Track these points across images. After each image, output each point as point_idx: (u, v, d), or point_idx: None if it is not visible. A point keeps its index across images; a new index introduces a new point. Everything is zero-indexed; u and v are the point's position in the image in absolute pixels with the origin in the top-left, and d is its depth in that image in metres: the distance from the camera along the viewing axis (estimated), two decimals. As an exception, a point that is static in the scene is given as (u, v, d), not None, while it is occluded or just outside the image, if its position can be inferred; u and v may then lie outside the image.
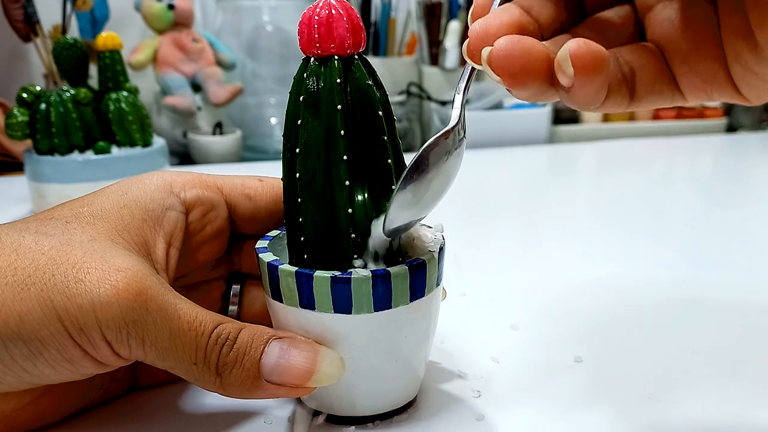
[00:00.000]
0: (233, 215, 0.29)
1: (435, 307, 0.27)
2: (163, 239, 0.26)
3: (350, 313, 0.24)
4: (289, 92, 0.26)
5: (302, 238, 0.26)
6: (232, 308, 0.31)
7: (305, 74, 0.25)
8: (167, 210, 0.26)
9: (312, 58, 0.25)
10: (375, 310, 0.24)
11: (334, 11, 0.24)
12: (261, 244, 0.27)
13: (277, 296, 0.25)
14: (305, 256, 0.26)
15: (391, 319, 0.25)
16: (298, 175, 0.25)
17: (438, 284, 0.27)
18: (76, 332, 0.21)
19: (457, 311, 0.38)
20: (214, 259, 0.30)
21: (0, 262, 0.22)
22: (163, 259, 0.25)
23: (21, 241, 0.22)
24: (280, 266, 0.25)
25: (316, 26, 0.24)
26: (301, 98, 0.25)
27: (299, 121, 0.25)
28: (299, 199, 0.25)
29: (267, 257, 0.26)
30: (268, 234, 0.28)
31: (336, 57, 0.25)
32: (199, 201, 0.28)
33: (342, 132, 0.25)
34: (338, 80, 0.25)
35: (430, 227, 0.28)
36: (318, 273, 0.24)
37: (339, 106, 0.25)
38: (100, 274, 0.22)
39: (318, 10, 0.24)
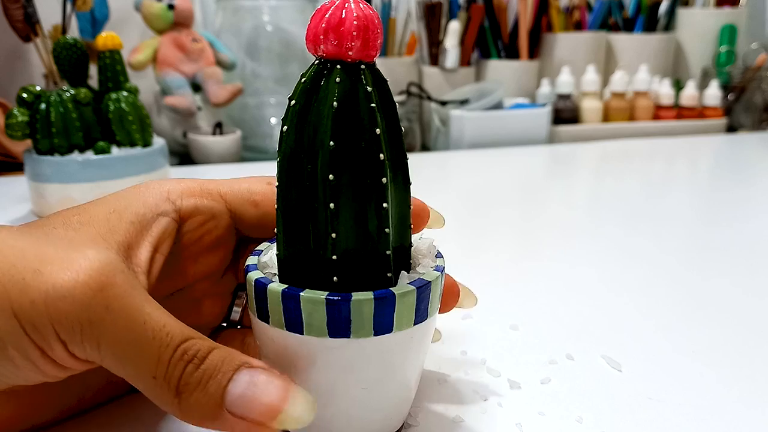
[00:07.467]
0: (239, 224, 0.28)
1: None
2: (149, 243, 0.24)
3: (391, 331, 0.23)
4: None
5: (334, 257, 0.22)
6: (236, 309, 0.30)
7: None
8: (158, 215, 0.25)
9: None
10: (414, 324, 0.23)
11: (371, 11, 0.22)
12: (256, 275, 0.24)
13: (297, 327, 0.23)
14: (335, 279, 0.22)
15: (415, 336, 0.24)
16: (344, 180, 0.22)
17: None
18: (30, 329, 0.19)
19: (457, 311, 0.38)
20: (218, 270, 0.29)
21: None
22: (145, 262, 0.24)
23: None
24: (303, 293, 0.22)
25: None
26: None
27: (338, 135, 0.22)
28: (332, 205, 0.22)
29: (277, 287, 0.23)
30: (252, 263, 0.25)
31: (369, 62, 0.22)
32: (197, 210, 0.27)
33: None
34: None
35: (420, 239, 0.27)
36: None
37: (374, 104, 0.23)
38: (62, 264, 0.20)
39: (364, 11, 0.21)
